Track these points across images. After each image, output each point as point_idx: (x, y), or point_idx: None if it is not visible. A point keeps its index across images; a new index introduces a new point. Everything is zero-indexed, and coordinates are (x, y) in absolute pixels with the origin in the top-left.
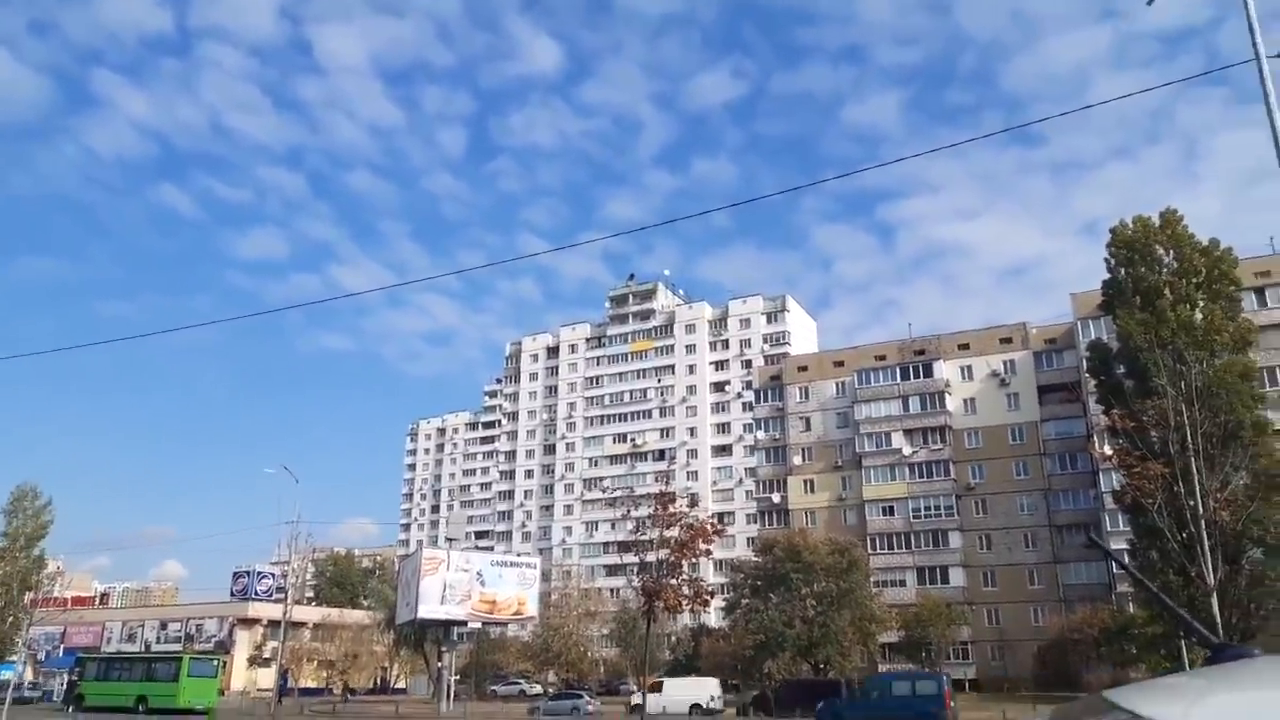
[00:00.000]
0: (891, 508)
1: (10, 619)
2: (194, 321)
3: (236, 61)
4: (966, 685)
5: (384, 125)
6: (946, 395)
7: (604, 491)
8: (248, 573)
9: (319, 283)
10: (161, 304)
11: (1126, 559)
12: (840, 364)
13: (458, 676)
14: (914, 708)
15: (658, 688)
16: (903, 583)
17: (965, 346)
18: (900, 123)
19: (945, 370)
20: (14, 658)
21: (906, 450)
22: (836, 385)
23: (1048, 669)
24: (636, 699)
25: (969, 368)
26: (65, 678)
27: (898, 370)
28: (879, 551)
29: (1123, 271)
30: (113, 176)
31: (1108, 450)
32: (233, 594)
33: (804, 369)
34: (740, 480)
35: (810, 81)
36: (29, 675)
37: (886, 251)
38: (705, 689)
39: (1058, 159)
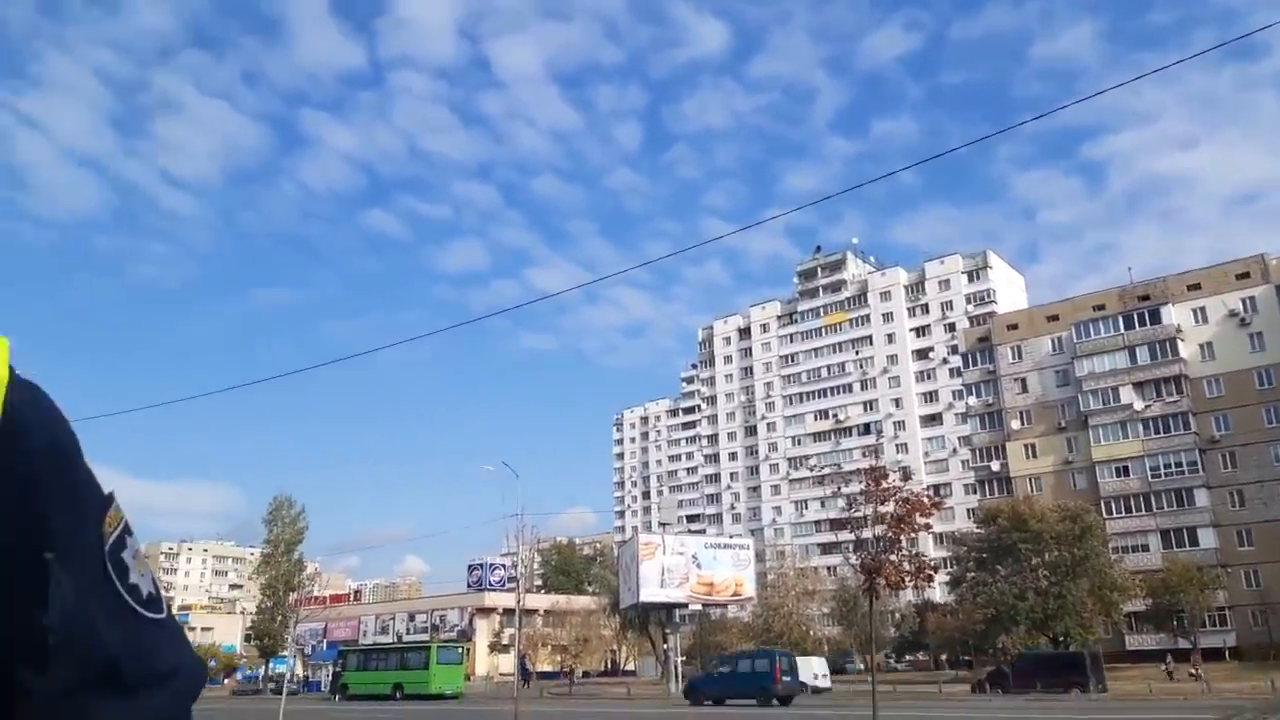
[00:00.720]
0: (1125, 468)
1: (279, 618)
2: (411, 335)
3: (425, 85)
4: (1226, 653)
5: (563, 129)
6: (1179, 341)
7: (810, 470)
8: (481, 565)
9: (518, 287)
10: (379, 321)
11: None
12: (1054, 318)
13: (684, 658)
14: (752, 681)
15: None
16: (1145, 547)
17: (1196, 287)
18: (1097, 54)
19: (1175, 314)
20: (285, 653)
21: (1138, 405)
22: (1052, 341)
23: None
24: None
25: (1202, 309)
26: (330, 670)
27: (1120, 320)
28: (1115, 515)
29: None
30: (327, 208)
31: None
32: (469, 585)
33: (1014, 327)
34: (954, 450)
35: (992, 22)
36: (299, 669)
37: (1095, 193)
38: (811, 667)
39: None
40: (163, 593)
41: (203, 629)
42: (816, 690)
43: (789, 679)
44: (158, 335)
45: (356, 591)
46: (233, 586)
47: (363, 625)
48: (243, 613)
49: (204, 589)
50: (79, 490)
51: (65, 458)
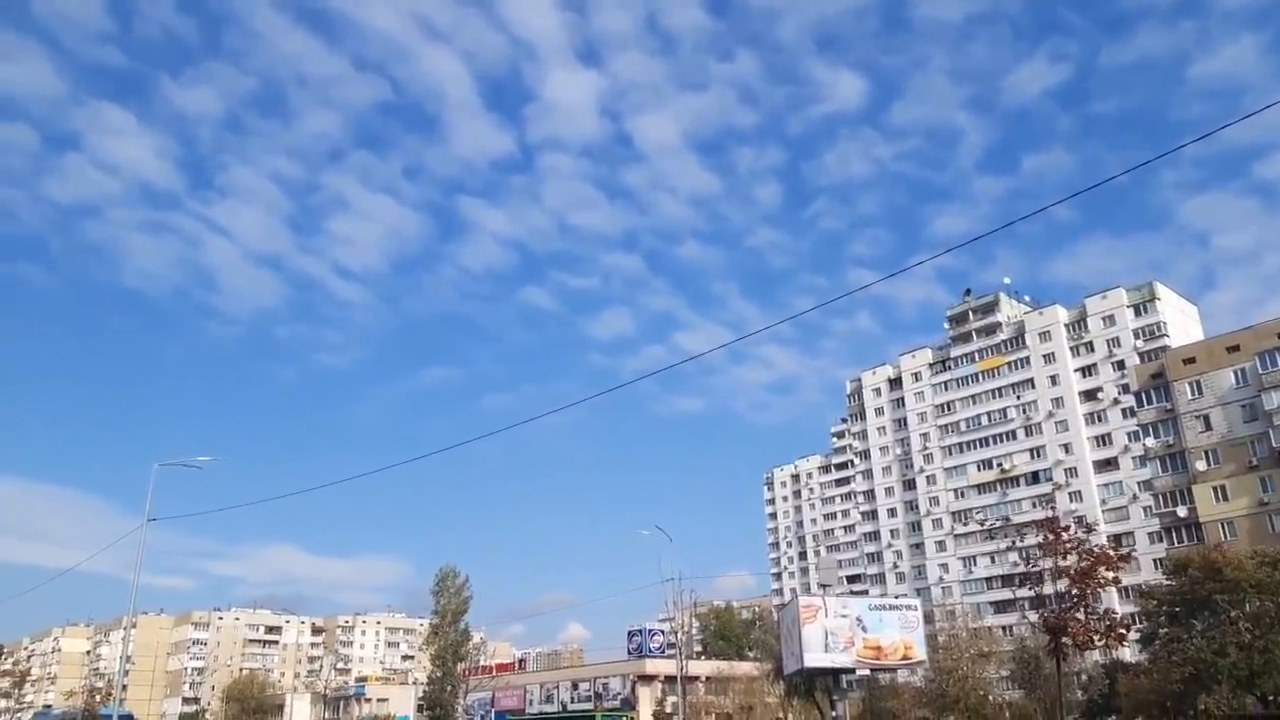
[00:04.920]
0: None
1: (449, 688)
2: (565, 403)
3: (570, 165)
4: None
5: (703, 194)
6: None
7: (979, 524)
8: (640, 631)
9: (665, 351)
10: (536, 392)
11: None
12: (1235, 349)
13: None
14: None
15: None
16: None
17: None
18: (1263, 68)
19: None
20: None
21: None
22: (1235, 374)
23: None
24: None
25: None
26: None
27: None
28: None
29: None
30: (484, 288)
31: None
32: (629, 652)
33: (1191, 361)
34: (1134, 496)
35: (1144, 47)
36: None
37: (1275, 213)
38: None
39: None
40: None
41: (378, 700)
42: None
43: None
44: (333, 417)
45: (521, 660)
46: (404, 657)
47: (528, 694)
48: (415, 683)
49: (378, 660)
50: None
51: None
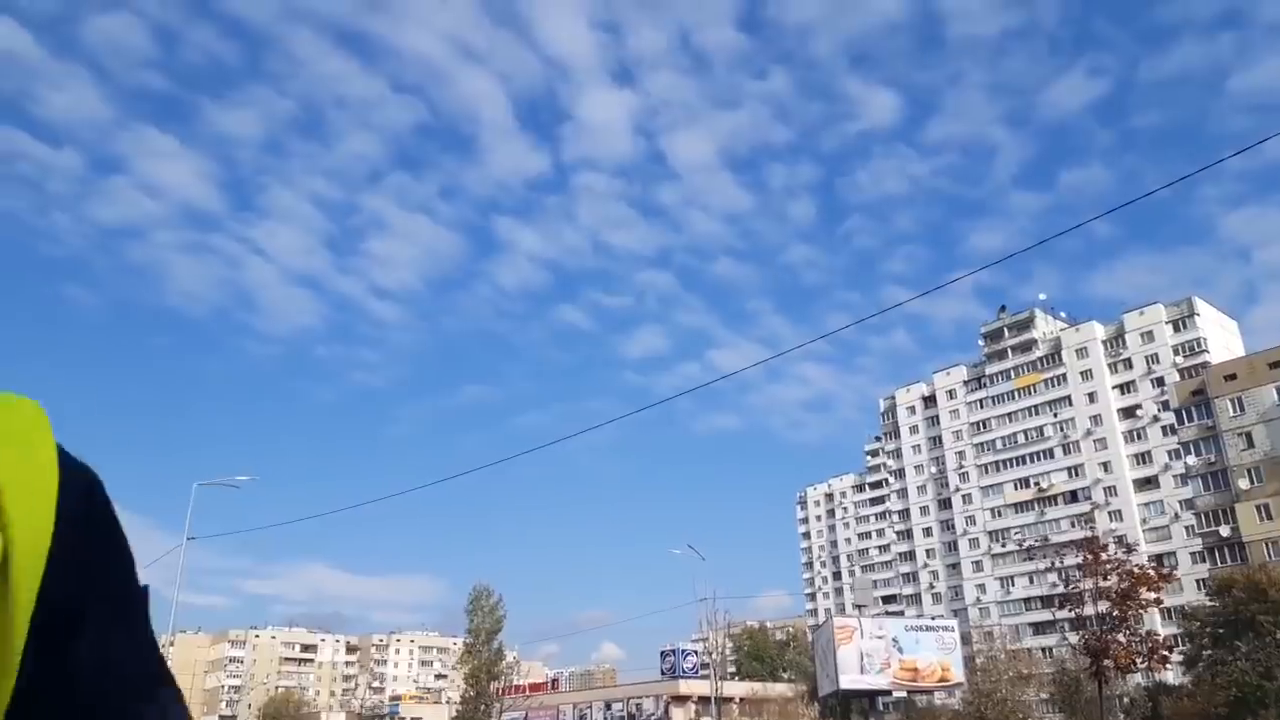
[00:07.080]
0: None
1: (483, 707)
2: (599, 421)
3: (605, 184)
4: None
5: (737, 211)
6: None
7: (1017, 544)
8: (673, 651)
9: (699, 369)
10: (570, 410)
11: None
12: (1277, 365)
13: None
14: None
15: None
16: None
17: None
18: None
19: None
20: None
21: None
22: (1278, 390)
23: None
24: None
25: None
26: None
27: None
28: None
29: None
30: (518, 306)
31: None
32: (663, 673)
33: (1232, 377)
34: (1176, 515)
35: (1184, 60)
36: None
37: None
38: None
39: None
40: None
41: (412, 718)
42: None
43: None
44: (369, 435)
45: (554, 680)
46: (438, 676)
47: (561, 714)
48: (448, 702)
49: (412, 679)
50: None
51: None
